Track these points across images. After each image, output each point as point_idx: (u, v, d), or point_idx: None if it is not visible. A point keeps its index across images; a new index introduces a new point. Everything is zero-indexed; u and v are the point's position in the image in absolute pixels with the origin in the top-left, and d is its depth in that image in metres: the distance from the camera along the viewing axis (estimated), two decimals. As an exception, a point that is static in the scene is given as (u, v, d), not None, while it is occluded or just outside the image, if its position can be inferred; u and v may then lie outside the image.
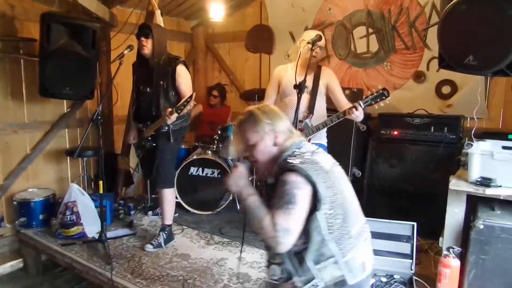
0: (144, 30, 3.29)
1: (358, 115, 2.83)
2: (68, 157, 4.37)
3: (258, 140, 1.72)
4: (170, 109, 3.09)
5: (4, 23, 3.68)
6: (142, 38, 3.29)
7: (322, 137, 3.22)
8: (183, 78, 3.34)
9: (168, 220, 3.56)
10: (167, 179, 3.51)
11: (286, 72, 3.25)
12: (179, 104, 3.12)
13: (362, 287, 1.70)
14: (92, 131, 4.25)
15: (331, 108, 3.25)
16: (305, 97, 3.15)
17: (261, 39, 5.26)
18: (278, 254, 1.64)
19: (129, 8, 4.50)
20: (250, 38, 5.35)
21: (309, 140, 3.09)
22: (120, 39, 4.25)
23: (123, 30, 4.28)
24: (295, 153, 1.68)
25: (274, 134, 1.72)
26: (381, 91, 2.81)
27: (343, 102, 3.13)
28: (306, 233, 1.59)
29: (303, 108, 3.14)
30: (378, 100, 2.82)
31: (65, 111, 4.32)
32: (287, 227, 1.50)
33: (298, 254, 1.62)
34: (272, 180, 1.69)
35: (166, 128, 3.29)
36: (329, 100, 3.28)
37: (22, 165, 3.98)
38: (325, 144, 3.25)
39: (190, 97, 3.10)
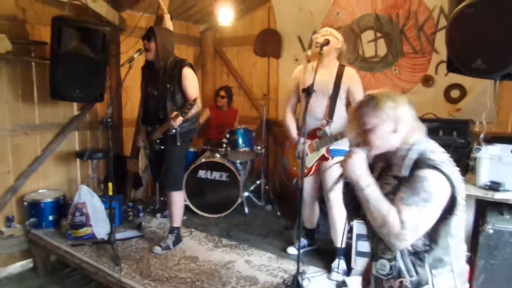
0: (148, 33, 3.33)
1: None
2: (78, 159, 4.41)
3: (377, 124, 1.51)
4: (175, 113, 3.11)
5: (15, 26, 3.73)
6: (145, 41, 3.33)
7: (344, 142, 3.03)
8: (189, 80, 3.34)
9: (177, 223, 3.58)
10: (175, 181, 3.53)
11: (306, 72, 3.00)
12: (183, 107, 3.13)
13: None
14: (102, 134, 4.32)
15: None
16: (325, 102, 3.04)
17: (269, 43, 5.27)
18: (390, 250, 1.53)
19: (138, 12, 4.54)
20: (258, 42, 5.37)
21: (328, 146, 3.05)
22: (129, 43, 4.31)
23: (133, 34, 4.32)
24: (429, 149, 1.51)
25: (396, 120, 1.51)
26: None
27: None
28: (433, 236, 1.49)
29: (322, 114, 3.04)
30: None
31: (75, 113, 4.36)
32: (416, 226, 1.40)
33: (416, 255, 1.51)
34: (406, 173, 1.50)
35: (174, 131, 3.29)
36: (349, 104, 3.10)
37: (32, 166, 4.02)
38: (348, 149, 3.12)
39: (194, 100, 3.12)
